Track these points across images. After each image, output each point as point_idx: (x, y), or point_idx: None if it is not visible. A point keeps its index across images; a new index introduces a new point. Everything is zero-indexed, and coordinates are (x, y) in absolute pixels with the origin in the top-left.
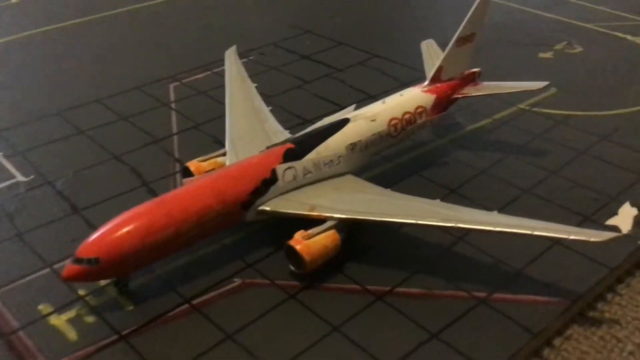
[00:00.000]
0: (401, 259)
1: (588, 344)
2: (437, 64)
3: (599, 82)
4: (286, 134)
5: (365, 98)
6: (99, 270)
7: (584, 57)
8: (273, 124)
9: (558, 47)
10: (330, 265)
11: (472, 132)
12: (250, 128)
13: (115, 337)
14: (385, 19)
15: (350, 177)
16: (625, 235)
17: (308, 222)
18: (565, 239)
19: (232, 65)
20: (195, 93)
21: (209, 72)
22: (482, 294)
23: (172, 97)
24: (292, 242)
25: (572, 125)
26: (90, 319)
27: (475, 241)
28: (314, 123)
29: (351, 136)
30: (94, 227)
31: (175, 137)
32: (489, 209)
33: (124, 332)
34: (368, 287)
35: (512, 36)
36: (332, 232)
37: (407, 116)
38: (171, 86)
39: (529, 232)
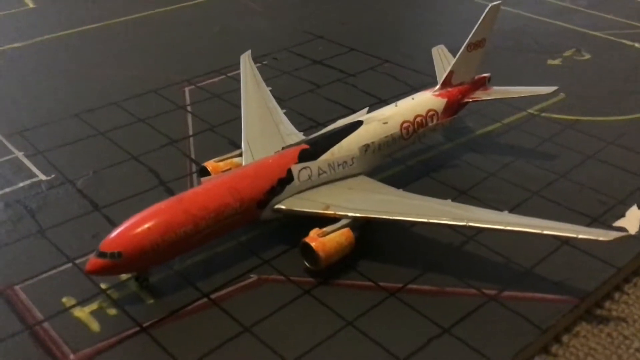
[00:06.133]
0: (413, 257)
1: (596, 341)
2: (448, 69)
3: (607, 88)
4: (300, 136)
5: (377, 102)
6: (122, 264)
7: (592, 64)
8: (287, 126)
9: (567, 54)
10: (344, 262)
11: (482, 136)
12: (265, 129)
13: (136, 329)
14: (397, 25)
15: (363, 178)
16: (632, 236)
17: (322, 221)
18: (574, 238)
19: (247, 69)
20: (210, 96)
21: (223, 76)
22: (492, 292)
23: (187, 100)
24: (307, 239)
25: (580, 130)
26: (112, 311)
27: (486, 241)
28: (326, 126)
29: (364, 138)
30: (114, 224)
31: (191, 139)
32: (498, 210)
33: (145, 325)
34: (381, 283)
35: (521, 43)
36: (346, 230)
37: (418, 119)
38: (187, 89)
39: (538, 231)
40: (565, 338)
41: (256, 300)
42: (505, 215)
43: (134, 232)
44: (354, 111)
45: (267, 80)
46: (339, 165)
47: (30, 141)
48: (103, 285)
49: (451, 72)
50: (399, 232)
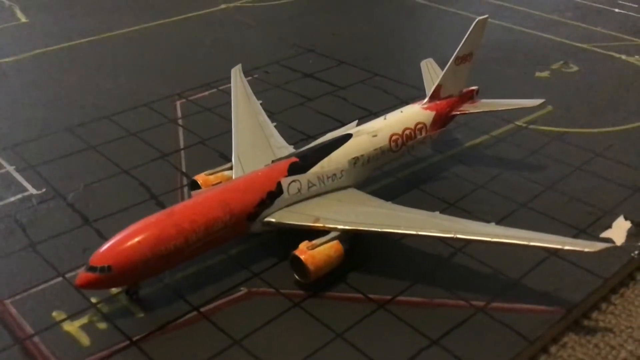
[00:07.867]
0: (402, 269)
1: (583, 352)
2: (436, 82)
3: (594, 100)
4: (290, 149)
5: (367, 115)
6: (112, 278)
7: (579, 76)
8: (278, 139)
9: (555, 66)
10: (334, 274)
11: (471, 148)
12: (255, 143)
13: (126, 342)
14: (386, 39)
15: (352, 190)
16: (619, 247)
17: (312, 233)
18: (560, 249)
19: (238, 83)
20: (201, 110)
21: (214, 90)
22: (480, 303)
23: (178, 113)
24: (297, 252)
25: (568, 142)
26: (102, 325)
27: (474, 252)
28: (316, 139)
29: (354, 151)
30: (104, 238)
31: (182, 152)
32: (486, 222)
33: (135, 338)
34: (370, 295)
35: (509, 55)
36: (335, 242)
37: (407, 132)
38: (178, 103)
39: (525, 242)
40: (552, 349)
41: (246, 313)
42: (492, 227)
43: (124, 246)
44: (344, 124)
45: (258, 94)
46: (328, 178)
47: (21, 155)
48: (93, 299)
49: (439, 86)
50: (387, 244)
